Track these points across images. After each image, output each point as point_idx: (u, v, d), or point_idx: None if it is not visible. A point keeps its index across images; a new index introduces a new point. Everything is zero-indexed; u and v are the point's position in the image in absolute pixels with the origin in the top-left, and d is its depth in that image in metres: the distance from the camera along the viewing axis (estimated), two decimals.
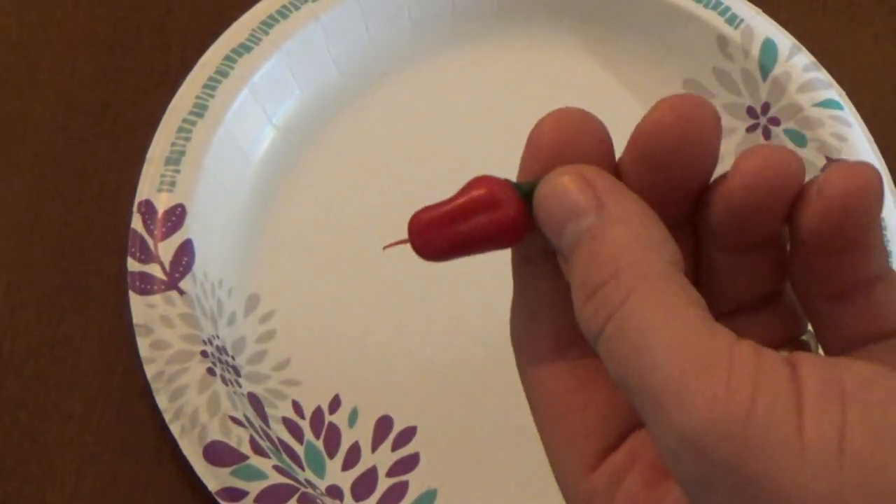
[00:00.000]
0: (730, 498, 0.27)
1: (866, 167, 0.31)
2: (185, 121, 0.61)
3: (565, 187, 0.32)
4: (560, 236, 0.32)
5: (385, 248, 0.36)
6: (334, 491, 0.56)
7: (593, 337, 0.31)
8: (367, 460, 0.57)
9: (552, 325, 0.35)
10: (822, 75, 0.64)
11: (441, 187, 0.62)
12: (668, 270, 0.30)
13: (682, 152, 0.32)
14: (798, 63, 0.64)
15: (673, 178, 0.33)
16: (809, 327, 0.35)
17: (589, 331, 0.31)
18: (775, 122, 0.64)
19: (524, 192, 0.33)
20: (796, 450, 0.27)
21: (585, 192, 0.32)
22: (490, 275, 0.61)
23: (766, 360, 0.28)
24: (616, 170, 0.33)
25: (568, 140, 0.33)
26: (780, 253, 0.34)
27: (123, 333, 0.57)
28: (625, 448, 0.34)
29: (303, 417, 0.57)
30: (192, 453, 0.54)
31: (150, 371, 0.55)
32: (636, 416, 0.34)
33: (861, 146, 0.62)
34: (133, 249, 0.58)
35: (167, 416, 0.54)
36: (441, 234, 0.33)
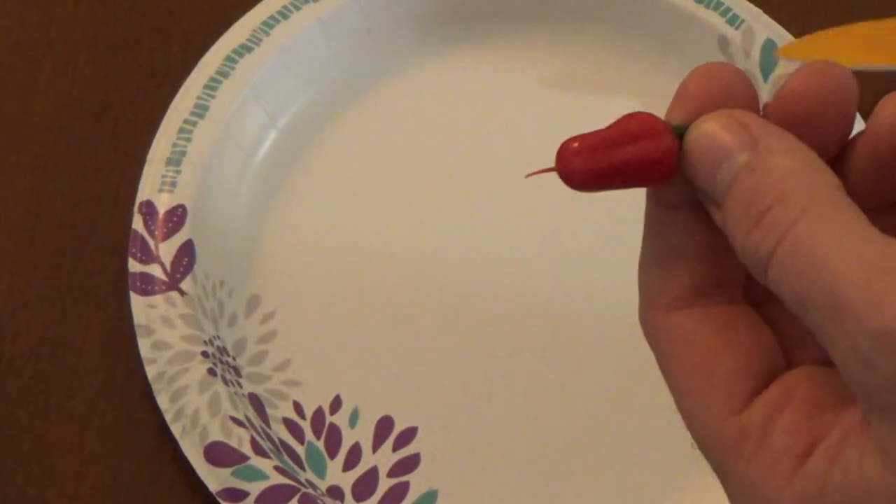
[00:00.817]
0: None
1: None
2: (185, 121, 0.61)
3: (718, 128, 0.33)
4: (713, 178, 0.32)
5: (527, 176, 0.36)
6: (335, 491, 0.56)
7: (762, 262, 0.31)
8: (367, 461, 0.57)
9: (689, 272, 0.35)
10: None
11: (443, 188, 0.64)
12: (837, 192, 0.31)
13: (824, 115, 0.33)
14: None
15: (813, 141, 0.33)
16: None
17: (757, 257, 0.31)
18: None
19: (676, 132, 0.33)
20: None
21: (739, 131, 0.32)
22: (493, 275, 0.62)
23: None
24: None
25: (718, 90, 0.34)
26: None
27: (124, 334, 0.57)
28: (776, 386, 0.33)
29: (304, 418, 0.57)
30: (193, 454, 0.54)
31: (150, 371, 0.55)
32: (783, 359, 0.34)
33: None
34: (134, 250, 0.58)
35: (168, 417, 0.54)
36: (590, 161, 0.33)
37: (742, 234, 0.32)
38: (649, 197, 0.35)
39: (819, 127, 0.33)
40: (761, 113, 0.34)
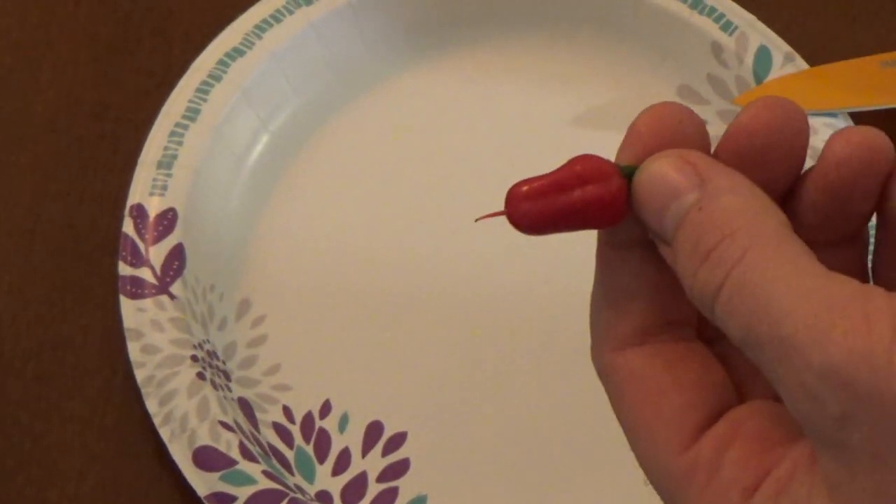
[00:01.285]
0: (873, 430, 0.28)
1: None
2: (177, 125, 0.61)
3: (667, 168, 0.33)
4: (662, 218, 0.33)
5: (477, 220, 0.36)
6: (324, 496, 0.56)
7: (709, 299, 0.31)
8: (357, 465, 0.57)
9: (639, 312, 0.35)
10: None
11: (435, 192, 0.63)
12: (783, 230, 0.31)
13: (774, 149, 0.33)
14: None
15: (764, 176, 0.33)
16: None
17: (703, 295, 0.31)
18: None
19: (625, 174, 0.34)
20: None
21: (687, 171, 0.33)
22: (483, 281, 0.62)
23: None
24: None
25: (668, 130, 0.34)
26: (863, 250, 0.35)
27: (125, 335, 0.58)
28: (725, 421, 0.33)
29: (293, 422, 0.57)
30: (182, 458, 0.54)
31: (140, 375, 0.55)
32: (734, 394, 0.35)
33: None
34: (124, 253, 0.58)
35: (157, 421, 0.54)
36: (539, 205, 0.33)
37: (690, 272, 0.32)
38: (599, 238, 0.36)
39: (770, 161, 0.34)
40: (712, 151, 0.34)
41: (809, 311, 0.29)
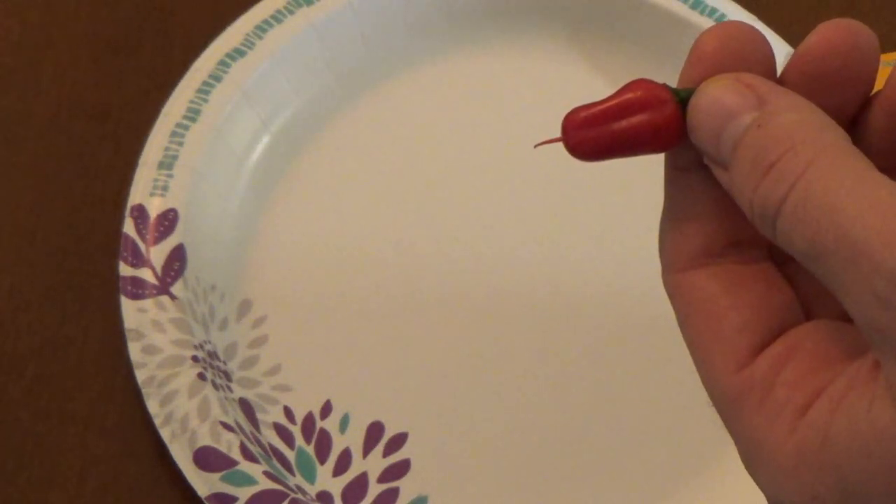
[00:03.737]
0: None
1: None
2: (178, 125, 0.61)
3: (722, 90, 0.33)
4: (719, 140, 0.33)
5: (536, 146, 0.37)
6: (325, 497, 0.56)
7: (771, 215, 0.31)
8: (357, 466, 0.57)
9: (702, 232, 0.35)
10: None
11: (435, 192, 0.63)
12: (845, 143, 0.31)
13: (845, 72, 0.33)
14: None
15: (832, 100, 0.33)
16: None
17: (765, 210, 0.31)
18: None
19: (681, 98, 0.34)
20: None
21: (745, 93, 0.32)
22: (484, 281, 0.62)
23: None
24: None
25: (732, 52, 0.34)
26: None
27: (125, 335, 0.58)
28: (782, 342, 0.33)
29: (294, 423, 0.57)
30: (183, 458, 0.54)
31: (140, 375, 0.55)
32: (789, 315, 0.34)
33: None
34: (125, 254, 0.58)
35: (157, 421, 0.54)
36: (594, 133, 0.34)
37: (750, 188, 0.32)
38: (667, 158, 0.36)
39: (838, 85, 0.33)
40: (779, 73, 0.34)
41: (878, 217, 0.28)
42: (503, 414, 0.59)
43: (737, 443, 0.33)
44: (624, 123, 0.33)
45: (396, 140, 0.65)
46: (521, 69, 0.67)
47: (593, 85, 0.67)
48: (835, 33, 0.33)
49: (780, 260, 0.36)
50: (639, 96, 0.34)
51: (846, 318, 0.31)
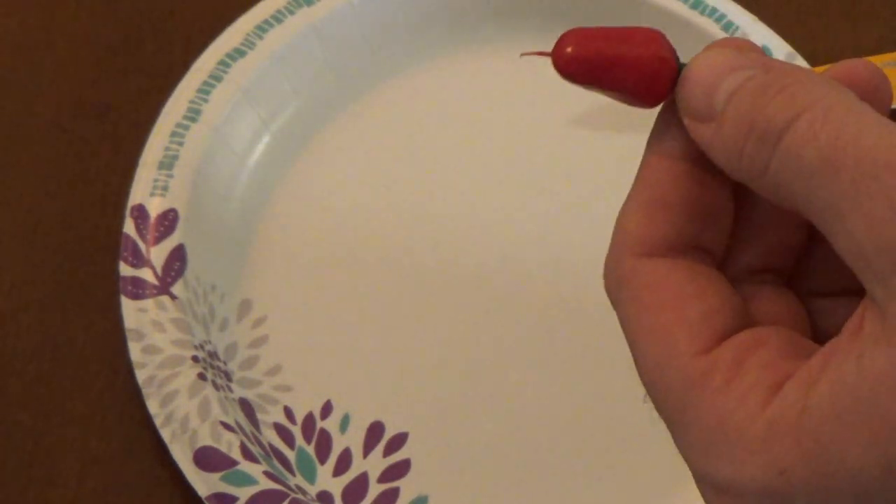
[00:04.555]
0: None
1: None
2: (178, 125, 0.61)
3: (726, 50, 0.33)
4: (713, 92, 0.32)
5: (522, 55, 0.36)
6: (325, 497, 0.56)
7: (778, 129, 0.30)
8: (358, 466, 0.57)
9: (671, 222, 0.35)
10: None
11: (436, 193, 0.63)
12: (852, 95, 0.31)
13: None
14: None
15: None
16: None
17: (771, 125, 0.31)
18: None
19: (678, 62, 0.34)
20: None
21: (751, 58, 0.32)
22: (485, 282, 0.61)
23: None
24: None
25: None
26: None
27: (125, 335, 0.58)
28: (749, 332, 0.33)
29: (294, 423, 0.57)
30: (183, 458, 0.54)
31: (141, 376, 0.55)
32: (747, 318, 0.34)
33: None
34: (125, 254, 0.58)
35: (157, 421, 0.54)
36: (584, 50, 0.33)
37: (757, 110, 0.31)
38: (651, 143, 0.35)
39: None
40: None
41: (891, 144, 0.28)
42: (504, 414, 0.59)
43: (689, 430, 0.32)
44: (618, 49, 0.33)
45: (397, 140, 0.65)
46: (521, 69, 0.66)
47: None
48: (843, 75, 0.33)
49: (730, 277, 0.36)
50: (641, 30, 0.33)
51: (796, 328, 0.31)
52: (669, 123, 0.35)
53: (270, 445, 0.56)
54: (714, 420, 0.31)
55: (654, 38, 0.34)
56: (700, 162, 0.34)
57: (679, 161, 0.35)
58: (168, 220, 0.59)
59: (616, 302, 0.35)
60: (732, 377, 0.32)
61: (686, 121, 0.33)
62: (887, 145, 0.28)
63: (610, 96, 0.34)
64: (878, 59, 0.66)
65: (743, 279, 0.36)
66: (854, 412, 0.28)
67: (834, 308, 0.36)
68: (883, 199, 0.28)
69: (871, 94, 0.33)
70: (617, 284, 0.35)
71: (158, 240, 0.58)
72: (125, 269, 0.57)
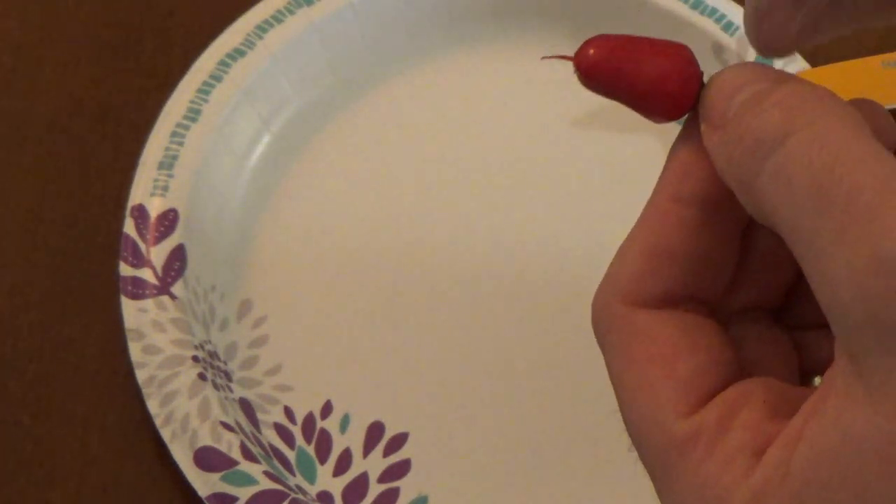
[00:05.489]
0: None
1: None
2: (178, 125, 0.61)
3: (752, 65, 0.33)
4: (733, 96, 0.32)
5: (543, 58, 0.36)
6: (325, 497, 0.56)
7: (770, 142, 0.30)
8: (358, 466, 0.57)
9: (674, 275, 0.34)
10: None
11: (436, 192, 0.63)
12: (855, 119, 0.30)
13: None
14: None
15: None
16: None
17: (765, 134, 0.30)
18: None
19: (703, 79, 0.33)
20: None
21: (775, 71, 0.32)
22: (483, 283, 0.62)
23: None
24: None
25: None
26: None
27: (126, 335, 0.58)
28: (735, 388, 0.32)
29: (294, 423, 0.57)
30: (183, 458, 0.54)
31: (141, 375, 0.55)
32: (737, 370, 0.33)
33: None
34: (125, 254, 0.58)
35: (158, 421, 0.54)
36: (607, 54, 0.33)
37: (754, 112, 0.31)
38: (665, 187, 0.34)
39: None
40: None
41: (885, 183, 0.27)
42: (504, 414, 0.59)
43: (672, 491, 0.32)
44: (642, 56, 0.33)
45: (397, 140, 0.65)
46: (521, 69, 0.67)
47: None
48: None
49: (722, 321, 0.35)
50: (668, 42, 0.33)
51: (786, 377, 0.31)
52: (683, 163, 0.34)
53: (270, 445, 0.56)
54: (698, 485, 0.31)
55: (680, 50, 0.33)
56: (711, 209, 0.33)
57: (689, 207, 0.34)
58: (168, 220, 0.59)
59: (603, 344, 0.35)
60: (716, 442, 0.31)
61: (703, 126, 0.33)
62: (881, 187, 0.28)
63: (628, 105, 0.34)
64: (878, 59, 0.66)
65: (734, 320, 0.36)
66: (836, 476, 0.28)
67: (819, 341, 0.36)
68: (868, 247, 0.27)
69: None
70: (606, 327, 0.34)
71: (158, 240, 0.58)
72: (125, 269, 0.57)
